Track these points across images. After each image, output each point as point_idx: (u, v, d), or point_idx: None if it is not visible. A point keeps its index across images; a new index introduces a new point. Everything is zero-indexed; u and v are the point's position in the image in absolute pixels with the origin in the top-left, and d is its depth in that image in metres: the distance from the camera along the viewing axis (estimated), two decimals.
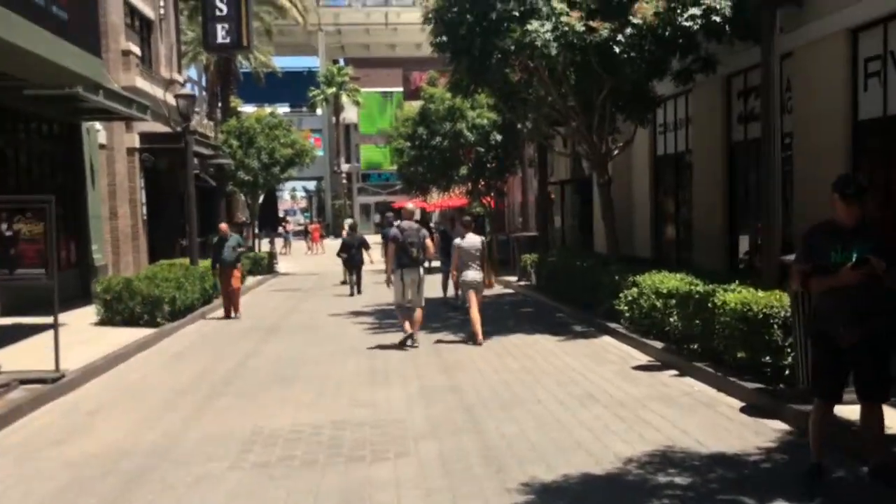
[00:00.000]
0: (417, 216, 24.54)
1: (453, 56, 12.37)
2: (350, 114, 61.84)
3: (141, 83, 19.72)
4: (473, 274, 11.26)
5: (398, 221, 11.74)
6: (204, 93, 46.67)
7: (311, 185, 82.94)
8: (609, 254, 13.24)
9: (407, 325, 10.79)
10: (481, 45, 11.57)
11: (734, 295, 7.69)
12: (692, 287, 8.78)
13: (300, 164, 25.65)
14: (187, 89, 36.36)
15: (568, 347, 10.54)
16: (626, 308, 10.28)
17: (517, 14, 10.39)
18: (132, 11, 21.35)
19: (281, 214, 67.38)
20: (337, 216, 62.44)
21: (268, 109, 25.51)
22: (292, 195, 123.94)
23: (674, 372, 8.58)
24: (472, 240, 11.42)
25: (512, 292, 18.42)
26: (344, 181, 62.77)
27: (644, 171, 17.59)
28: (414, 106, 27.08)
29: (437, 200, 38.19)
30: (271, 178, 24.55)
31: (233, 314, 14.84)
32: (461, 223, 12.36)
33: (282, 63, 67.12)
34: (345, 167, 62.96)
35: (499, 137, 23.09)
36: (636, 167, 18.18)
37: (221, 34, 24.47)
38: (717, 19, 9.08)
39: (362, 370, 9.46)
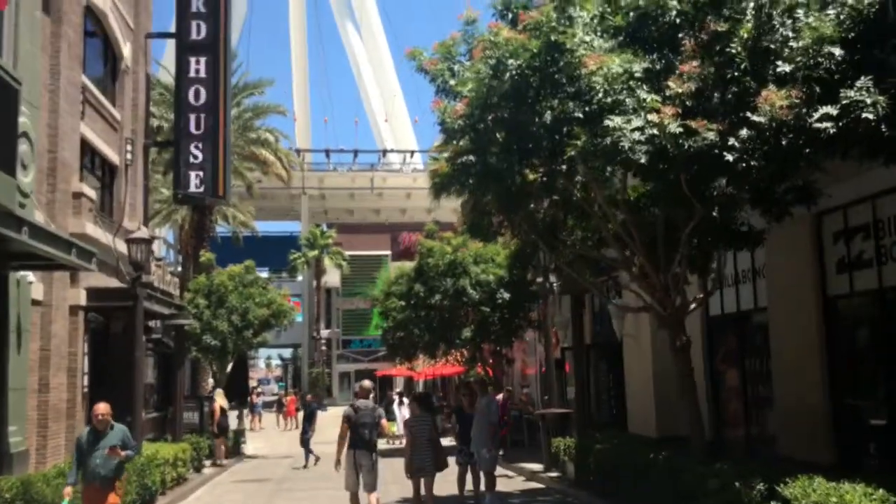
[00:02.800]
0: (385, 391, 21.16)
1: (479, 183, 9.63)
2: (332, 277, 59.39)
3: (93, 230, 16.84)
4: (422, 457, 10.48)
5: (355, 401, 10.75)
6: (179, 255, 44.15)
7: (288, 352, 79.19)
8: (695, 443, 9.86)
9: None
10: (520, 163, 8.87)
11: None
12: None
13: (277, 327, 22.50)
14: (143, 235, 33.71)
15: None
16: None
17: (580, 115, 7.71)
18: (92, 152, 18.84)
19: (253, 384, 63.18)
20: (313, 385, 58.39)
21: (243, 265, 22.61)
22: (267, 363, 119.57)
23: None
24: (423, 418, 10.74)
25: (541, 487, 14.67)
26: (323, 347, 59.29)
27: (693, 334, 14.62)
28: (403, 267, 24.34)
29: (426, 368, 34.80)
30: (243, 343, 21.28)
31: None
32: (416, 399, 11.62)
33: (264, 227, 65.60)
34: (324, 333, 59.67)
35: (506, 296, 20.23)
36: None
37: (195, 182, 21.93)
38: (870, 116, 6.40)
39: None
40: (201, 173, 22.06)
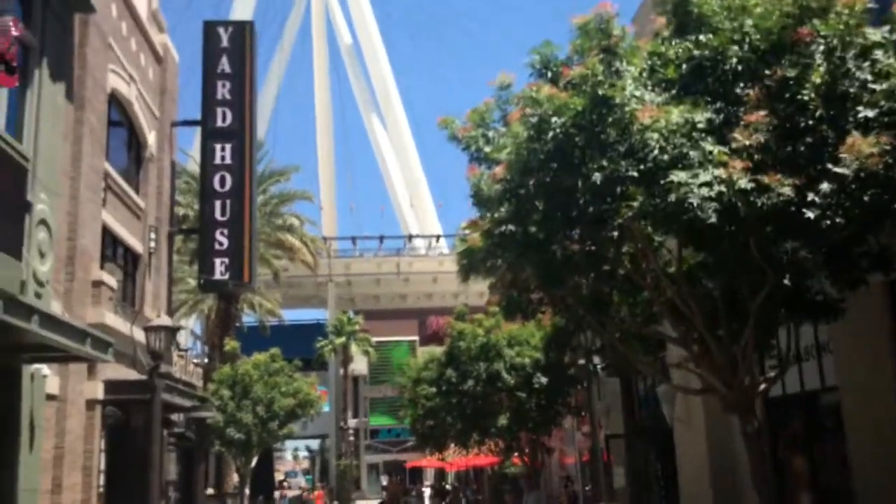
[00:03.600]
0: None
1: (519, 255, 8.86)
2: (359, 365, 58.23)
3: (113, 320, 16.23)
4: None
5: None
6: (205, 347, 43.55)
7: (315, 443, 77.39)
8: None
9: None
10: (563, 232, 8.11)
11: None
12: None
13: (304, 418, 21.52)
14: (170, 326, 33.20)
15: None
16: None
17: (635, 174, 6.96)
18: (114, 240, 18.43)
19: (280, 477, 61.42)
20: (342, 478, 56.55)
21: (268, 353, 21.81)
22: (294, 455, 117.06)
23: None
24: None
25: None
26: (351, 438, 57.65)
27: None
28: (433, 352, 23.41)
29: (458, 458, 33.35)
30: (268, 436, 20.27)
31: None
32: (434, 492, 9.90)
33: (290, 315, 65.12)
34: (352, 423, 58.15)
35: (543, 380, 19.18)
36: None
37: (220, 269, 21.43)
38: None
39: None
40: (227, 260, 21.59)
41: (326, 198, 75.05)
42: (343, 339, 56.22)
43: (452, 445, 31.23)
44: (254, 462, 21.73)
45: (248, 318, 47.29)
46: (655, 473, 17.73)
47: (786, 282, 7.72)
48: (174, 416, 19.90)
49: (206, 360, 31.44)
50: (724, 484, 14.21)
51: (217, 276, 21.45)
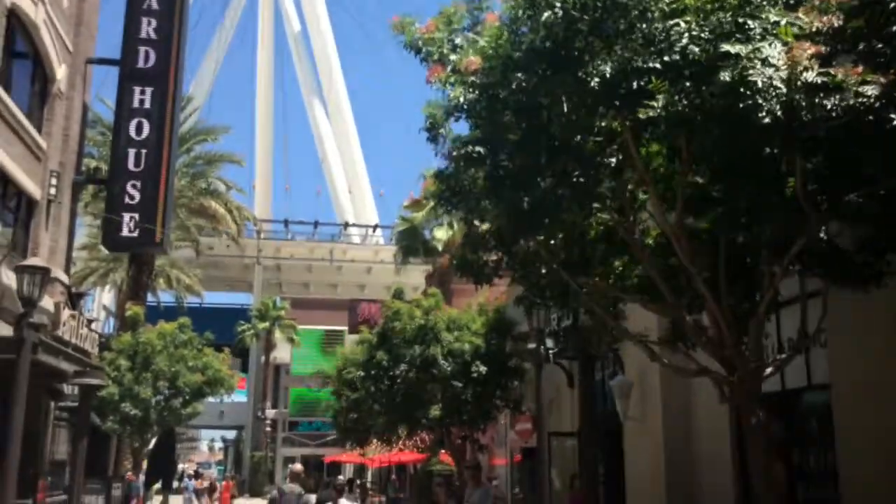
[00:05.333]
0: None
1: (488, 192, 7.04)
2: (283, 353, 55.68)
3: None
4: None
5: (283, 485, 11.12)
6: (116, 322, 40.55)
7: (232, 434, 74.22)
8: None
9: None
10: (547, 163, 6.34)
11: None
12: None
13: (213, 397, 19.30)
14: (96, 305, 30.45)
15: None
16: None
17: (658, 66, 5.20)
18: (5, 180, 15.96)
19: (193, 467, 58.33)
20: (255, 470, 53.87)
21: (176, 322, 19.52)
22: (210, 446, 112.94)
23: None
24: None
25: None
26: (268, 429, 55.02)
27: (719, 416, 11.99)
28: (364, 335, 21.40)
29: (381, 454, 31.45)
30: (170, 414, 17.98)
31: None
32: (335, 488, 11.80)
33: (213, 298, 62.06)
34: (270, 413, 55.52)
35: (482, 369, 17.43)
36: (701, 408, 12.61)
37: (129, 225, 19.08)
38: None
39: None
40: (136, 216, 19.29)
41: (261, 180, 72.23)
42: (267, 324, 53.68)
43: (375, 441, 29.38)
44: (151, 444, 19.44)
45: (166, 297, 44.44)
46: (596, 476, 16.19)
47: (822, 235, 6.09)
48: (65, 388, 17.50)
49: (112, 333, 28.81)
50: (679, 490, 12.73)
51: (125, 232, 19.10)
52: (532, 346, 12.80)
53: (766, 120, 4.65)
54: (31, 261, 11.36)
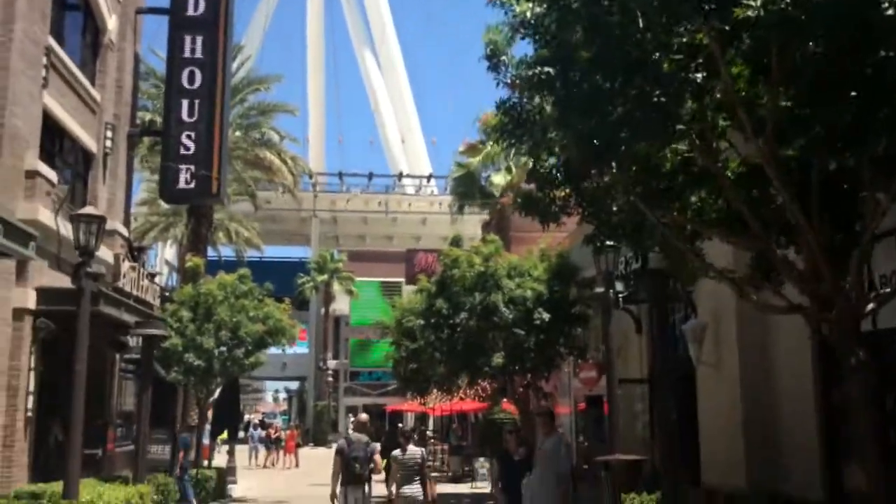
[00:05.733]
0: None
1: (560, 117, 6.46)
2: (341, 305, 56.14)
3: (50, 219, 13.75)
4: (412, 490, 10.22)
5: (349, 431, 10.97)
6: (175, 274, 41.19)
7: (295, 385, 75.73)
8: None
9: None
10: (624, 82, 5.73)
11: None
12: None
13: (276, 346, 19.27)
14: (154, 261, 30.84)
15: None
16: None
17: None
18: (61, 133, 15.89)
19: (259, 417, 59.66)
20: (319, 420, 54.87)
21: (236, 273, 19.46)
22: (274, 398, 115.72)
23: None
24: (413, 452, 10.49)
25: None
26: (330, 379, 55.84)
27: (800, 356, 11.32)
28: (423, 283, 20.94)
29: (442, 403, 31.41)
30: (233, 364, 18.02)
31: None
32: (402, 435, 11.55)
33: (272, 253, 62.65)
34: (331, 364, 56.28)
35: (545, 316, 16.96)
36: (780, 348, 11.93)
37: (185, 177, 18.94)
38: None
39: None
40: (192, 167, 19.09)
41: (314, 133, 72.15)
42: (325, 276, 54.07)
43: (435, 390, 29.29)
44: (216, 394, 19.59)
45: (226, 252, 44.85)
46: (670, 425, 15.68)
47: None
48: (129, 340, 17.61)
49: (175, 287, 29.13)
50: (757, 432, 12.13)
51: (181, 184, 18.98)
52: (600, 290, 12.21)
53: (890, 12, 3.98)
54: (87, 209, 11.20)
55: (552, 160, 8.52)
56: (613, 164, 7.22)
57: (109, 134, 18.04)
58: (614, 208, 8.72)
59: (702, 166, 7.62)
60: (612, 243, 11.42)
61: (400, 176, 62.29)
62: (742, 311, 12.47)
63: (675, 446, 11.17)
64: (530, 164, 8.61)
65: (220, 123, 19.34)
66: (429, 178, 62.34)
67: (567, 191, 8.73)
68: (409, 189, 62.62)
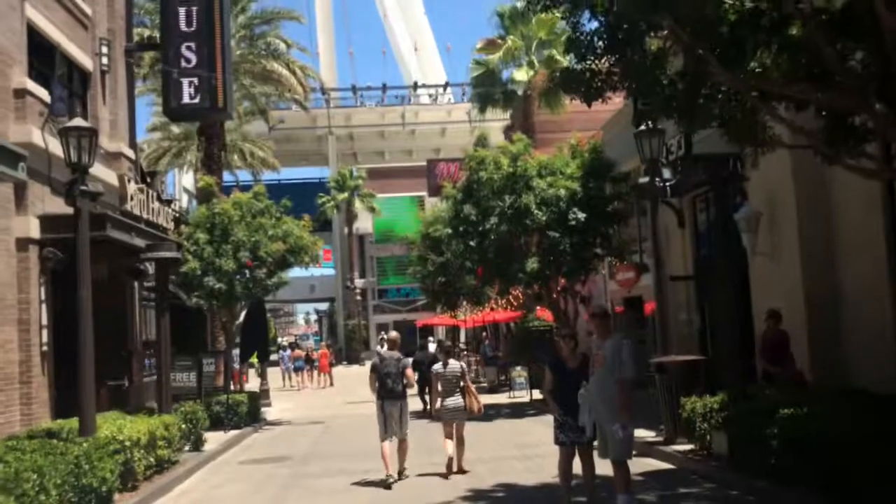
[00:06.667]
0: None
1: None
2: (364, 223, 55.36)
3: (41, 139, 12.75)
4: (455, 402, 10.66)
5: (380, 348, 9.98)
6: (194, 200, 40.37)
7: (324, 306, 75.92)
8: None
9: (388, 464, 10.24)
10: None
11: None
12: None
13: (298, 265, 18.45)
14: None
15: None
16: None
17: None
18: (50, 49, 14.76)
19: (290, 339, 59.95)
20: (350, 339, 54.91)
21: (251, 191, 18.50)
22: (306, 320, 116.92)
23: None
24: (453, 366, 10.86)
25: (670, 468, 10.06)
26: (358, 298, 55.59)
27: (853, 237, 10.25)
28: (447, 190, 19.79)
29: (473, 315, 30.75)
30: (255, 285, 17.27)
31: None
32: (442, 350, 12.04)
33: (288, 174, 61.58)
34: (359, 283, 55.93)
35: (581, 216, 15.93)
36: (847, 230, 10.85)
37: (189, 92, 17.79)
38: None
39: None
40: (195, 80, 17.93)
41: (324, 47, 69.94)
42: (346, 194, 53.13)
43: (465, 303, 28.59)
44: (241, 317, 18.93)
45: (243, 176, 43.84)
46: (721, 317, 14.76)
47: None
48: (148, 267, 16.86)
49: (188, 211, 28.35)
50: (822, 324, 11.20)
51: (185, 99, 17.85)
52: (643, 180, 11.09)
53: None
54: (76, 121, 10.17)
55: (594, 24, 7.34)
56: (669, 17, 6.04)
57: (105, 50, 16.87)
58: (664, 82, 7.59)
59: (774, 17, 6.42)
60: (657, 127, 10.29)
61: (415, 86, 60.33)
62: (801, 197, 11.40)
63: (737, 344, 10.22)
64: (568, 31, 7.42)
65: (221, 31, 18.07)
66: (445, 86, 60.39)
67: (611, 62, 7.58)
68: (425, 100, 60.80)
